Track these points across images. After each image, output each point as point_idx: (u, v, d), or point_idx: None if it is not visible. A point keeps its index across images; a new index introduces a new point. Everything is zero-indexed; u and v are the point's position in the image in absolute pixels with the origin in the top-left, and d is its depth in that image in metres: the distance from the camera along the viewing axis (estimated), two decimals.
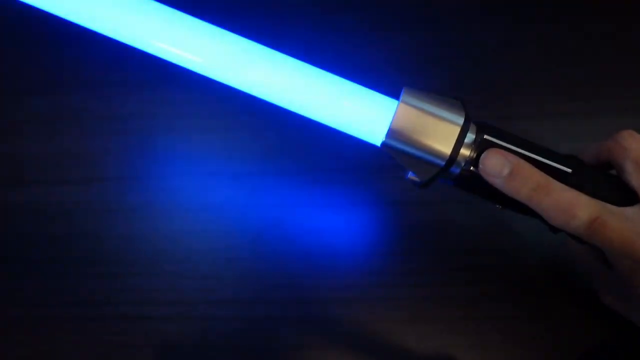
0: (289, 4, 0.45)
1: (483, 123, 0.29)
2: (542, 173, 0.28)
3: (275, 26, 0.44)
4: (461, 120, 0.27)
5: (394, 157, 0.28)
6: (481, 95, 0.41)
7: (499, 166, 0.27)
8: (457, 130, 0.27)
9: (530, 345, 0.35)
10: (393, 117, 0.27)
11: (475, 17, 0.43)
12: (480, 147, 0.28)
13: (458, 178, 0.28)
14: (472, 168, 0.28)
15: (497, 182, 0.28)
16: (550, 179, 0.28)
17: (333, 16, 0.44)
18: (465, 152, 0.28)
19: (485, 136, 0.28)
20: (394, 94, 0.30)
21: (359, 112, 0.30)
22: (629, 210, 0.28)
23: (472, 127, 0.28)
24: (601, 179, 0.29)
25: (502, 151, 0.28)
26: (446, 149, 0.27)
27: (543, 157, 0.28)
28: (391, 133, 0.27)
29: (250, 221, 0.39)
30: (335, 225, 0.39)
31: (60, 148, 0.42)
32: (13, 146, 0.43)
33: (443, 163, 0.27)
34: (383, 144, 0.28)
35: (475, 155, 0.28)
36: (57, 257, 0.40)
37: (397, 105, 0.27)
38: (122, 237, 0.40)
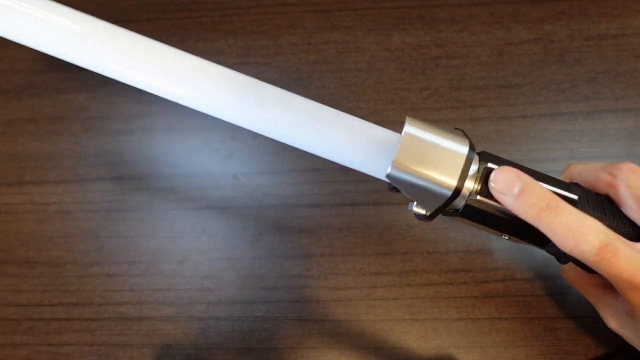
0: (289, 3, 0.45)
1: (484, 152, 0.28)
2: (552, 194, 0.27)
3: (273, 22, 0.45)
4: (466, 150, 0.27)
5: (399, 187, 0.27)
6: (481, 95, 0.41)
7: (510, 183, 0.27)
8: (462, 160, 0.26)
9: (530, 346, 0.35)
10: (398, 146, 0.27)
11: (476, 17, 0.43)
12: (483, 176, 0.27)
13: (463, 209, 0.28)
14: (478, 197, 0.27)
15: (506, 199, 0.27)
16: (561, 200, 0.27)
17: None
18: (469, 182, 0.27)
19: (489, 164, 0.27)
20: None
21: (362, 145, 0.29)
22: None
23: (475, 157, 0.28)
24: (608, 211, 0.29)
25: (514, 169, 0.27)
26: (452, 179, 0.26)
27: (547, 184, 0.28)
28: (396, 163, 0.26)
29: (250, 221, 0.39)
30: (336, 225, 0.39)
31: (60, 148, 0.42)
32: (13, 146, 0.43)
33: (449, 194, 0.26)
34: (388, 174, 0.27)
35: (479, 187, 0.27)
36: (57, 257, 0.40)
37: (402, 135, 0.27)
38: (122, 237, 0.40)
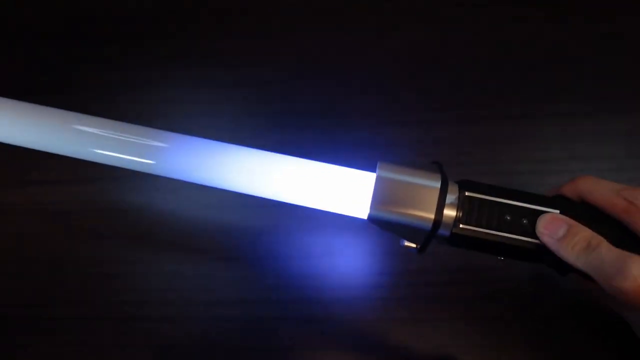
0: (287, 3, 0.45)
1: (463, 181, 0.29)
2: (595, 233, 0.27)
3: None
4: (438, 184, 0.28)
5: (384, 229, 0.29)
6: (481, 95, 0.41)
7: (556, 227, 0.27)
8: (436, 193, 0.27)
9: (530, 346, 0.35)
10: (372, 191, 0.28)
11: (476, 17, 0.43)
12: (464, 204, 0.28)
13: (451, 237, 0.28)
14: (461, 225, 0.28)
15: (549, 241, 0.28)
16: (603, 239, 0.27)
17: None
18: (450, 212, 0.28)
19: (467, 193, 0.28)
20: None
21: (342, 193, 0.30)
22: None
23: (453, 187, 0.28)
24: (615, 228, 0.28)
25: (561, 216, 0.28)
26: (429, 213, 0.27)
27: (527, 203, 0.28)
28: (373, 207, 0.28)
29: (250, 221, 0.39)
30: (336, 225, 0.39)
31: None
32: (13, 146, 0.43)
33: (429, 227, 0.28)
34: (369, 217, 0.28)
35: (461, 214, 0.28)
36: (57, 257, 0.40)
37: (375, 179, 0.28)
38: (122, 237, 0.40)
